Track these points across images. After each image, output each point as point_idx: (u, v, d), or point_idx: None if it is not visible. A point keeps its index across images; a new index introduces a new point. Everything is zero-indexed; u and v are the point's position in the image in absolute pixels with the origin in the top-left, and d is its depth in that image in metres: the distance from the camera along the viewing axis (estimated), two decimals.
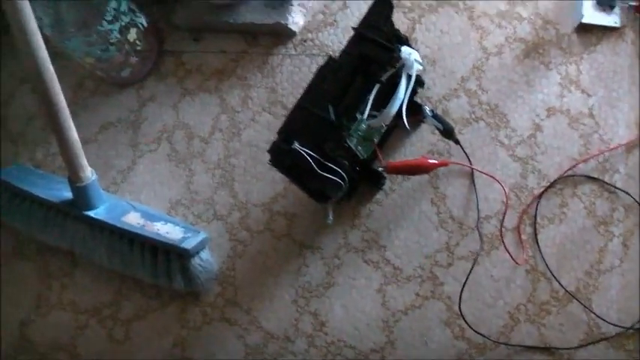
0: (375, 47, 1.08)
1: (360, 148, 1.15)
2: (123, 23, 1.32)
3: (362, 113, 1.11)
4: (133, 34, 1.35)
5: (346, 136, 1.11)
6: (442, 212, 1.20)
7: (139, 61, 1.39)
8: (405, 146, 1.24)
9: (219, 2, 1.33)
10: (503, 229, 1.17)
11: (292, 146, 1.06)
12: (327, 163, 1.08)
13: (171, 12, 1.42)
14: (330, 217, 1.17)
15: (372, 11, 1.11)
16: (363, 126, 1.13)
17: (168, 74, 1.42)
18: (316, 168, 1.06)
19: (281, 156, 1.08)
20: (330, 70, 1.10)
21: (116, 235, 1.26)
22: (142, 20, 1.37)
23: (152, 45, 1.40)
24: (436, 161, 1.15)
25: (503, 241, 1.16)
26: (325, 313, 1.22)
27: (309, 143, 1.07)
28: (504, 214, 1.17)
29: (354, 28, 1.08)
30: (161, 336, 1.30)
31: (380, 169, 1.17)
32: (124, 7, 1.31)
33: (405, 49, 1.09)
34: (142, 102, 1.42)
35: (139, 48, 1.37)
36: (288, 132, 1.09)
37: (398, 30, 1.13)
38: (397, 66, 1.09)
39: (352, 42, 1.10)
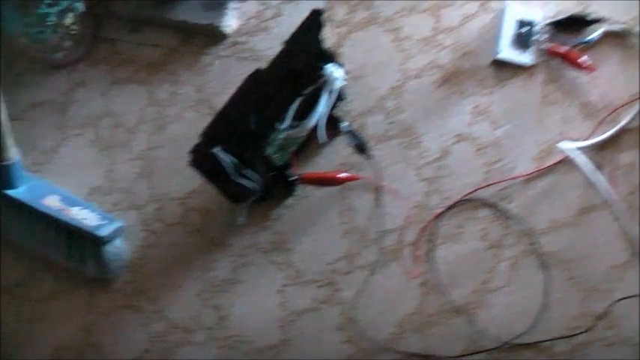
0: (301, 64, 1.24)
1: (277, 155, 1.29)
2: (61, 7, 1.45)
3: (282, 123, 1.25)
4: (69, 19, 1.48)
5: (265, 145, 1.25)
6: (347, 222, 1.36)
7: (73, 45, 1.52)
8: (320, 156, 1.39)
9: None
10: (402, 244, 1.34)
11: (213, 150, 1.21)
12: (244, 169, 1.24)
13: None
14: (242, 219, 1.34)
15: (302, 27, 1.26)
16: (283, 135, 1.27)
17: (101, 61, 1.55)
18: (233, 174, 1.22)
19: (201, 158, 1.23)
20: (256, 81, 1.25)
21: (34, 217, 1.39)
22: (80, 5, 1.49)
23: (87, 30, 1.53)
24: (347, 175, 1.33)
25: (401, 255, 1.34)
26: (227, 307, 1.37)
27: (230, 149, 1.22)
28: (405, 229, 1.34)
29: (283, 43, 1.24)
30: (68, 319, 1.43)
31: (294, 178, 1.32)
32: None
33: (330, 67, 1.25)
34: (72, 85, 1.55)
35: (74, 32, 1.50)
36: (210, 136, 1.24)
37: (326, 46, 1.28)
38: (321, 82, 1.25)
39: (280, 56, 1.26)
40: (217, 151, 1.22)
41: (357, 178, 1.35)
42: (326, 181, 1.36)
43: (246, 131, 1.24)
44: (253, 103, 1.26)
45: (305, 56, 1.25)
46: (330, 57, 1.29)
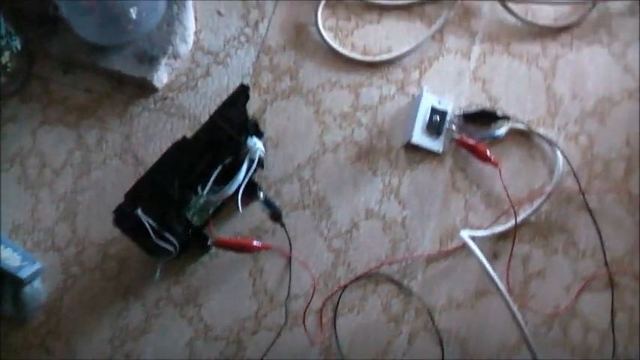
0: (225, 137, 1.25)
1: (195, 217, 1.30)
2: None
3: (203, 188, 1.26)
4: (5, 57, 1.44)
5: (186, 209, 1.26)
6: (257, 284, 1.37)
7: (6, 81, 1.48)
8: (236, 219, 1.40)
9: (91, 42, 1.46)
10: (308, 310, 1.36)
11: (135, 212, 1.21)
12: (163, 232, 1.24)
13: (46, 38, 1.51)
14: (158, 275, 1.33)
15: (228, 101, 1.26)
16: (203, 200, 1.28)
17: (33, 98, 1.52)
18: (153, 236, 1.23)
19: (124, 218, 1.23)
20: (182, 148, 1.26)
21: None
22: (17, 43, 1.46)
23: (22, 67, 1.49)
24: (259, 245, 1.33)
25: (306, 320, 1.36)
26: (136, 356, 1.37)
27: (152, 211, 1.22)
28: (311, 296, 1.35)
29: (210, 116, 1.25)
30: None
31: (210, 242, 1.33)
32: (1, 31, 1.41)
33: (251, 140, 1.27)
34: (2, 120, 1.51)
35: (9, 70, 1.46)
36: (134, 198, 1.24)
37: (249, 117, 1.30)
38: (242, 153, 1.26)
39: (205, 127, 1.26)
40: (139, 213, 1.22)
41: (269, 248, 1.36)
42: (239, 248, 1.36)
43: (168, 196, 1.24)
44: (177, 169, 1.26)
45: (229, 129, 1.26)
46: (253, 129, 1.31)
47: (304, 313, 1.37)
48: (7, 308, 1.37)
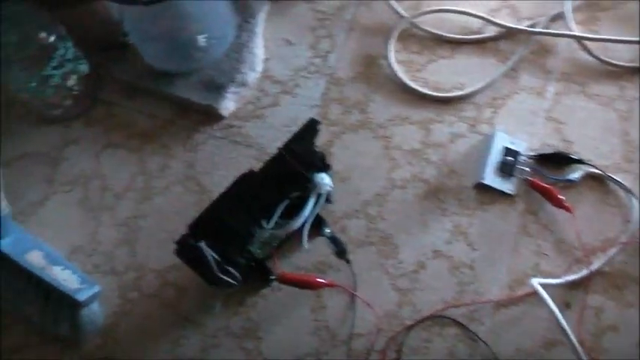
0: (292, 171, 1.19)
1: (259, 251, 1.23)
2: (66, 70, 1.37)
3: (268, 222, 1.20)
4: (72, 80, 1.40)
5: (249, 243, 1.19)
6: (319, 320, 1.28)
7: (72, 104, 1.44)
8: (301, 253, 1.32)
9: (159, 69, 1.40)
10: (370, 349, 1.28)
11: (198, 244, 1.15)
12: (226, 265, 1.18)
13: (114, 63, 1.48)
14: (217, 307, 1.27)
15: (297, 136, 1.20)
16: (267, 234, 1.21)
17: (96, 122, 1.47)
18: (215, 269, 1.16)
19: (186, 250, 1.17)
20: (248, 182, 1.20)
21: (15, 270, 1.29)
22: (85, 67, 1.41)
23: (89, 91, 1.44)
24: (324, 281, 1.26)
25: None
26: None
27: (215, 244, 1.16)
28: (374, 336, 1.27)
29: (278, 149, 1.18)
30: None
31: (272, 277, 1.26)
32: (70, 55, 1.36)
33: (319, 175, 1.20)
34: (65, 142, 1.47)
35: (75, 93, 1.42)
36: (197, 230, 1.18)
37: (318, 152, 1.24)
38: (309, 188, 1.19)
39: (273, 160, 1.20)
40: (202, 245, 1.15)
41: (333, 286, 1.28)
42: (303, 284, 1.29)
43: (232, 229, 1.19)
44: (243, 203, 1.20)
45: (297, 165, 1.20)
46: (320, 163, 1.25)
47: (367, 352, 1.28)
48: (65, 329, 1.30)
